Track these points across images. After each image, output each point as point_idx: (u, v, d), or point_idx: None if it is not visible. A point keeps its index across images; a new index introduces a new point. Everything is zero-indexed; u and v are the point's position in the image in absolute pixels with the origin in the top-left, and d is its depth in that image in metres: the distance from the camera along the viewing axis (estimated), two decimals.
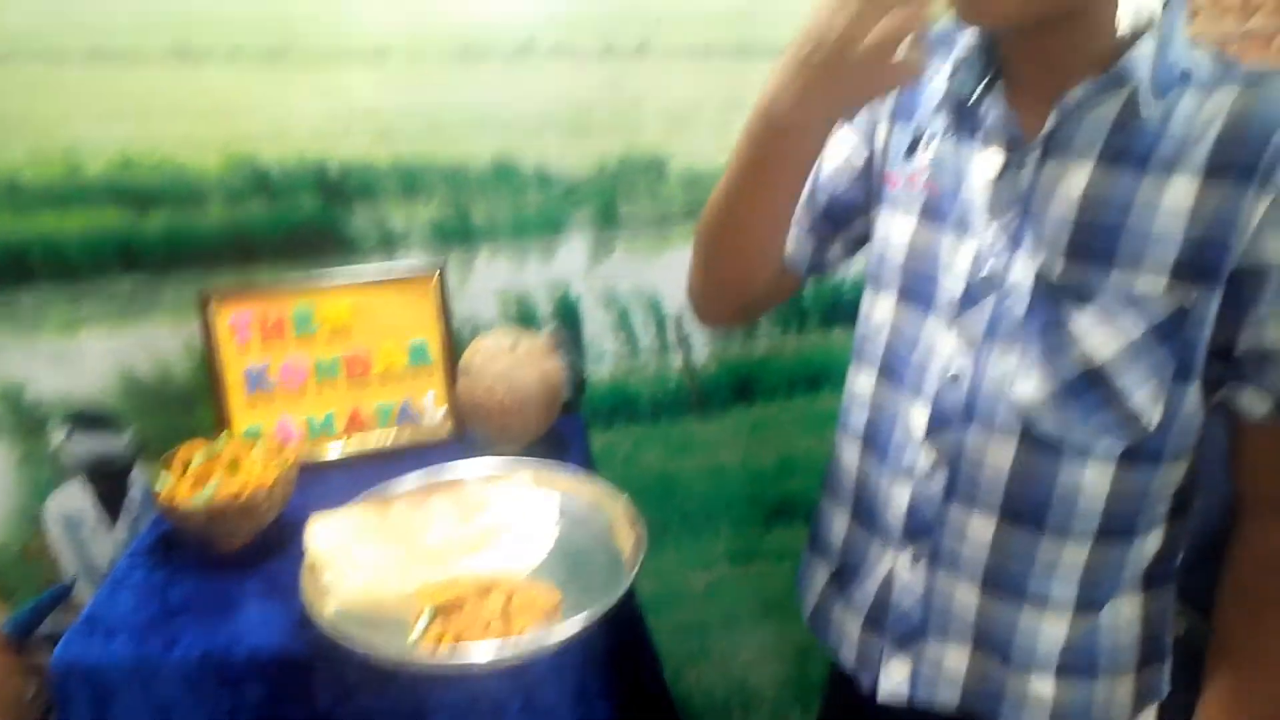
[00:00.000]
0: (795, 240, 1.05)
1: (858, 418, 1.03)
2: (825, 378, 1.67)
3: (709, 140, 1.48)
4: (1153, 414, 0.83)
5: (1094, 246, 0.81)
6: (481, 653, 0.91)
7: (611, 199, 1.49)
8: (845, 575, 1.06)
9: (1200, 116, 0.79)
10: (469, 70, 1.37)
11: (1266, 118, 0.76)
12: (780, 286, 1.07)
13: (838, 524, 1.07)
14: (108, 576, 1.14)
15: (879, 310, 0.99)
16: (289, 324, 1.34)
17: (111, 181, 1.34)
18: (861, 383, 1.02)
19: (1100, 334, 0.82)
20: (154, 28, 1.29)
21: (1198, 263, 0.78)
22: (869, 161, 1.01)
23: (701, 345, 1.61)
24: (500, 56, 1.37)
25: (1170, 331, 0.80)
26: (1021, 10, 0.77)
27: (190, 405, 1.46)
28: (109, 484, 1.52)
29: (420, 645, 0.94)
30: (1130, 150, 0.80)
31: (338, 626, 0.95)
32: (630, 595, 1.30)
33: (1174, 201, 0.78)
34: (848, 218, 1.04)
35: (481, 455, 1.30)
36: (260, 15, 1.31)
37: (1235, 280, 0.78)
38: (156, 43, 1.30)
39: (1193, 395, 0.83)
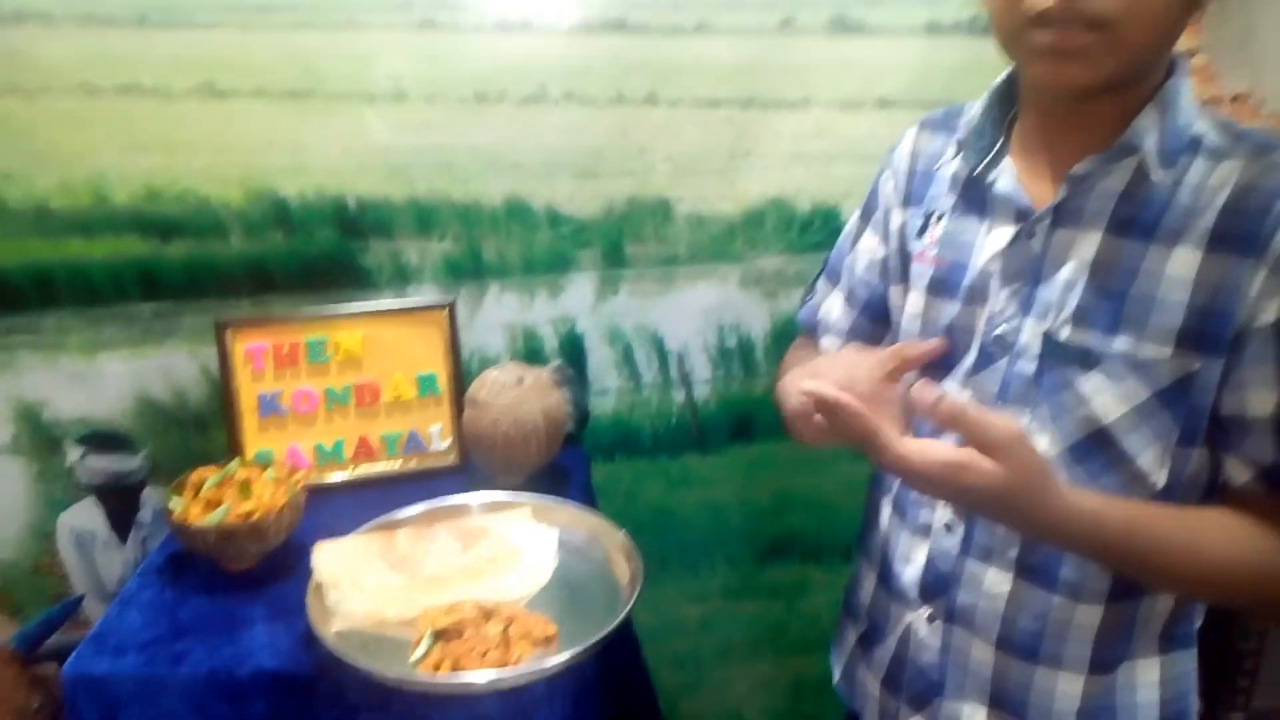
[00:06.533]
0: (841, 345, 1.10)
1: (889, 478, 1.05)
2: None
3: (715, 186, 1.53)
4: (1158, 475, 0.84)
5: (1101, 312, 0.84)
6: (480, 677, 0.94)
7: (618, 239, 1.54)
8: (870, 637, 1.08)
9: (1208, 185, 0.81)
10: (483, 114, 1.43)
11: (1270, 188, 0.78)
12: None
13: (866, 585, 1.09)
14: (117, 595, 1.18)
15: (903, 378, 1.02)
16: (303, 352, 1.38)
17: (136, 211, 1.40)
18: None
19: (1107, 396, 0.84)
20: (183, 67, 1.36)
21: (1201, 331, 0.80)
22: (889, 252, 1.05)
23: (703, 382, 1.65)
24: (513, 102, 1.43)
25: (1175, 397, 0.82)
26: (1095, 79, 0.78)
27: (203, 428, 1.50)
28: (120, 503, 1.56)
29: (421, 667, 0.98)
30: (1137, 220, 0.83)
31: (341, 647, 0.98)
32: (627, 626, 1.34)
33: (1178, 271, 0.80)
34: (886, 309, 1.07)
35: (485, 486, 1.34)
36: (285, 59, 1.37)
37: (1230, 346, 0.80)
38: (185, 82, 1.36)
39: (1197, 457, 0.85)
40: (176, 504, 1.18)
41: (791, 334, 1.61)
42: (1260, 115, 1.37)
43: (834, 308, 1.13)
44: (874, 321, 1.08)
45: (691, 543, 1.74)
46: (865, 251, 1.09)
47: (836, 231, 1.54)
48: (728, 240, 1.56)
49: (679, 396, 1.66)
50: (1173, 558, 0.83)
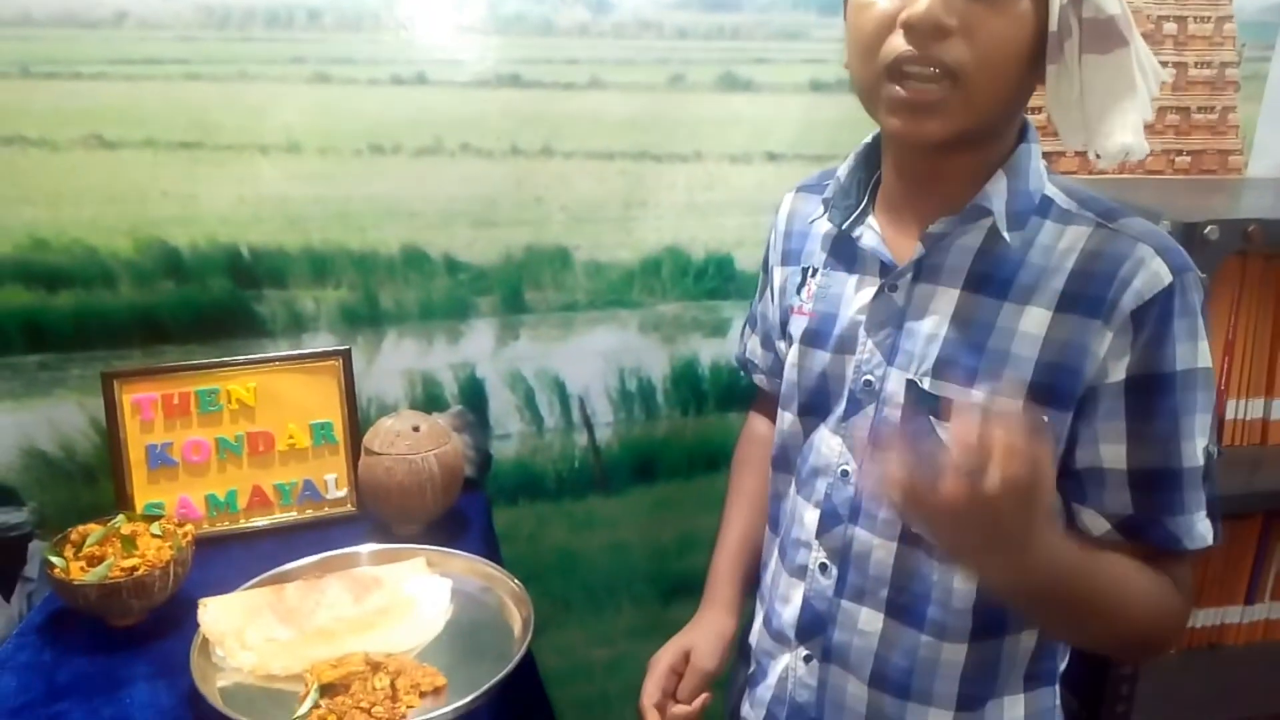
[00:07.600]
0: (769, 381, 1.20)
1: (782, 521, 1.09)
2: (723, 458, 1.72)
3: (611, 235, 1.56)
4: None
5: (960, 364, 0.88)
6: None
7: (517, 286, 1.56)
8: (755, 677, 1.11)
9: (1057, 248, 0.86)
10: (378, 164, 1.44)
11: (1114, 255, 0.83)
12: None
13: (755, 626, 1.13)
14: None
15: (785, 423, 1.07)
16: (194, 402, 1.37)
17: (21, 261, 1.37)
18: (779, 487, 1.10)
19: None
20: (69, 118, 1.34)
21: (1051, 385, 0.85)
22: (773, 307, 1.12)
23: (605, 425, 1.67)
24: (408, 154, 1.45)
25: None
26: (949, 131, 0.82)
27: (92, 480, 1.47)
28: (5, 558, 1.51)
29: None
30: (992, 277, 0.88)
31: (225, 705, 0.98)
32: (529, 672, 1.34)
33: (1030, 328, 0.86)
34: None
35: (381, 535, 1.34)
36: (175, 109, 1.37)
37: (1081, 401, 0.85)
38: (71, 132, 1.34)
39: None
40: (58, 561, 1.16)
41: (690, 376, 1.67)
42: (1095, 171, 1.45)
43: (756, 350, 1.21)
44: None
45: (597, 585, 1.75)
46: (767, 302, 1.15)
47: (731, 278, 1.61)
48: (626, 287, 1.59)
49: (581, 439, 1.68)
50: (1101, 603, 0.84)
